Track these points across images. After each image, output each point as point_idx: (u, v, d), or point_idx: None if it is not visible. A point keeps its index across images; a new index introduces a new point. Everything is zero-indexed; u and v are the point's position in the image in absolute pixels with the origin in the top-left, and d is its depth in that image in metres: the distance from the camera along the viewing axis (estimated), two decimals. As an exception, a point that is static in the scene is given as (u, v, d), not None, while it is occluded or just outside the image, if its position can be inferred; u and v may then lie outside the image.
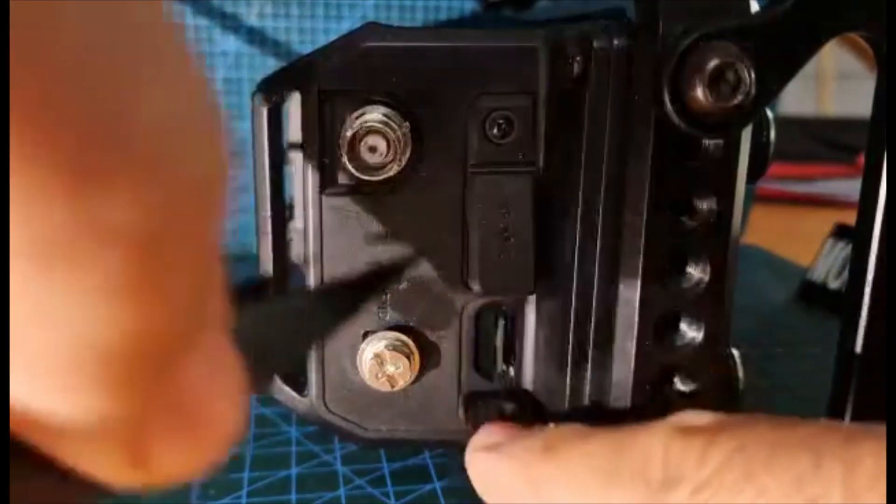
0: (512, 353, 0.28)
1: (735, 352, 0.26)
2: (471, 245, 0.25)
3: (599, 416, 0.25)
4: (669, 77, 0.21)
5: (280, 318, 0.17)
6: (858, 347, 0.24)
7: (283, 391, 0.27)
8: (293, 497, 0.28)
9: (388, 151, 0.24)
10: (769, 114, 0.25)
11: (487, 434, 0.24)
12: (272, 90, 0.25)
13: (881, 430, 0.17)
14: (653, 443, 0.20)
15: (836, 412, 0.25)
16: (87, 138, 0.09)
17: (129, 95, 0.09)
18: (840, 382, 0.25)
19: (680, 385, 0.25)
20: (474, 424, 0.25)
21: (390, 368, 0.26)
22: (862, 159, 0.24)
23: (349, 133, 0.24)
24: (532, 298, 0.27)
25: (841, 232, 0.51)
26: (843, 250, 0.50)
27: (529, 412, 0.26)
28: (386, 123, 0.24)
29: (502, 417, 0.26)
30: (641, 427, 0.20)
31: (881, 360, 0.23)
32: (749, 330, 0.46)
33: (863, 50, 0.23)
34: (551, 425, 0.23)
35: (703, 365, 0.24)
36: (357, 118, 0.24)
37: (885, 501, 0.16)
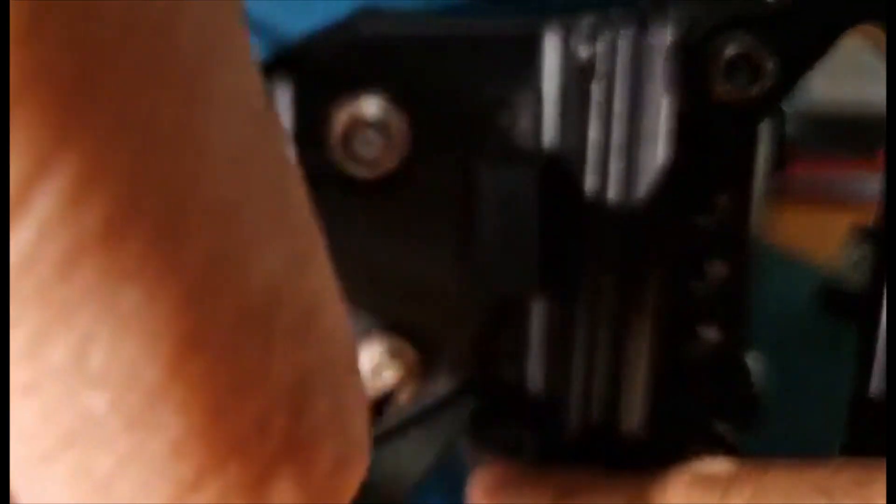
0: (517, 354, 0.27)
1: (753, 355, 0.25)
2: (473, 242, 0.25)
3: (610, 425, 0.24)
4: (684, 67, 0.21)
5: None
6: (879, 352, 0.23)
7: None
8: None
9: (385, 145, 0.23)
10: (786, 107, 0.25)
11: (492, 474, 0.24)
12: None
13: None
14: (671, 494, 0.20)
15: (856, 418, 0.24)
16: None
17: None
18: (860, 387, 0.24)
19: (696, 392, 0.24)
20: (476, 440, 0.25)
21: (390, 370, 0.26)
22: (880, 155, 0.24)
23: (344, 126, 0.23)
24: (538, 298, 0.26)
25: (861, 233, 0.51)
26: (863, 251, 0.50)
27: (535, 424, 0.26)
28: (383, 116, 0.23)
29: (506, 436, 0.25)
30: (659, 477, 0.21)
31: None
32: (766, 333, 0.46)
33: (882, 41, 0.23)
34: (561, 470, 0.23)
35: (720, 370, 0.24)
36: (352, 110, 0.23)
37: None
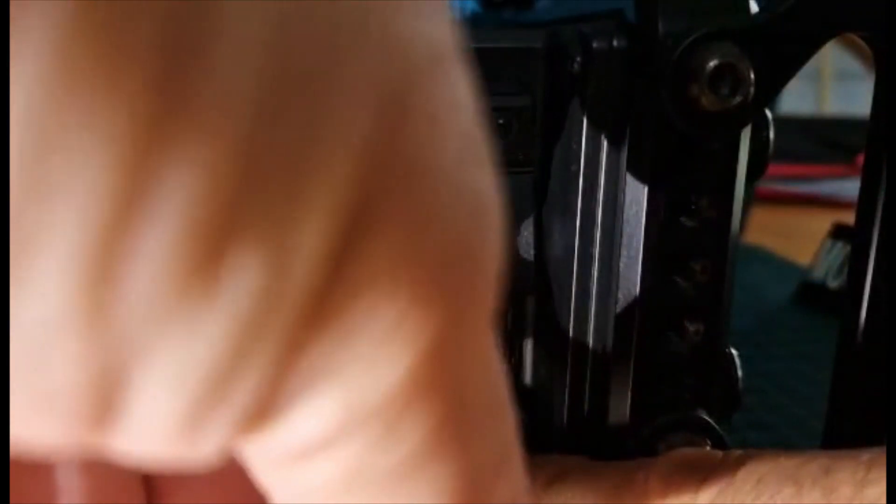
0: (512, 353, 0.27)
1: (734, 352, 0.26)
2: None
3: (599, 417, 0.25)
4: (669, 77, 0.21)
5: None
6: (858, 347, 0.24)
7: None
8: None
9: None
10: (768, 113, 0.25)
11: None
12: None
13: (860, 455, 0.19)
14: (652, 480, 0.21)
15: (835, 412, 0.25)
16: None
17: None
18: (839, 383, 0.24)
19: (679, 385, 0.24)
20: None
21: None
22: (861, 159, 0.24)
23: None
24: (532, 298, 0.27)
25: (840, 232, 0.51)
26: (842, 250, 0.50)
27: (529, 415, 0.26)
28: None
29: None
30: (642, 463, 0.22)
31: (881, 360, 0.23)
32: (748, 330, 0.46)
33: (861, 49, 0.23)
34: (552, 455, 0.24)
35: (702, 365, 0.24)
36: None
37: None
